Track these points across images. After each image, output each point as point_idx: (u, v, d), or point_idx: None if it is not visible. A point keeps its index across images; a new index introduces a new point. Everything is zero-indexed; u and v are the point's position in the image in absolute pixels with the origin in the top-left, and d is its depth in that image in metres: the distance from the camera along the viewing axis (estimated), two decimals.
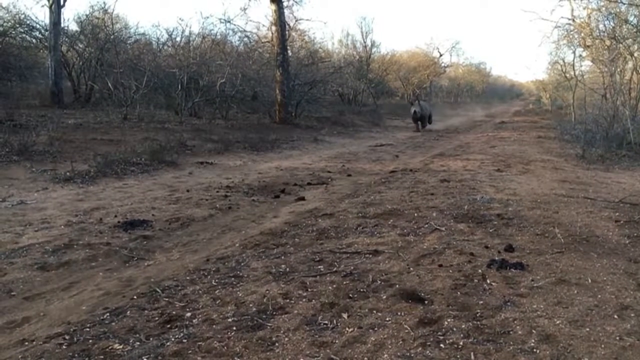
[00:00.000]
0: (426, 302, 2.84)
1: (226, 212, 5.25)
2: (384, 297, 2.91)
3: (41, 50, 15.45)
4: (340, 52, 27.58)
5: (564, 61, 18.92)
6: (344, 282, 3.14)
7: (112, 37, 14.50)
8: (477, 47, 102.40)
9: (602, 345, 2.35)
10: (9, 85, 14.09)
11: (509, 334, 2.46)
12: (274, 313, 2.73)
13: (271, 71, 15.75)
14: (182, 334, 2.50)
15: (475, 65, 43.94)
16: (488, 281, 3.13)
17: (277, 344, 2.40)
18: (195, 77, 13.79)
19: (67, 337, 2.50)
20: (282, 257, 3.66)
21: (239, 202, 5.67)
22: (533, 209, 5.00)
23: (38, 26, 14.75)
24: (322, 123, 16.38)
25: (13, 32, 14.57)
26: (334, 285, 3.08)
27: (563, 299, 2.86)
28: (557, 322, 2.58)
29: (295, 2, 16.91)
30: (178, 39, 15.87)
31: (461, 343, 2.38)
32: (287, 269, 3.40)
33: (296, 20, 17.52)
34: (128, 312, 2.78)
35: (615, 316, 2.65)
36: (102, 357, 2.32)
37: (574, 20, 14.92)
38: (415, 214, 4.84)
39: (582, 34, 15.01)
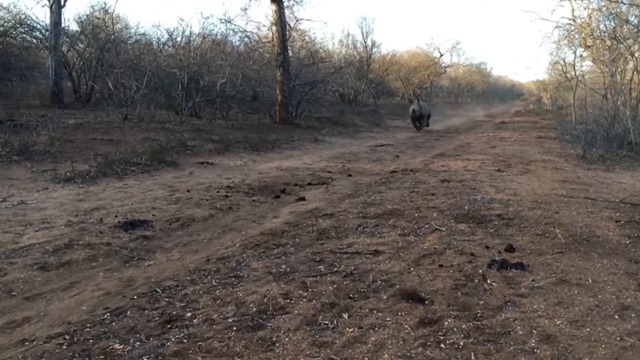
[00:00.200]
0: (427, 302, 2.84)
1: (226, 212, 5.25)
2: (385, 297, 2.91)
3: (42, 51, 15.47)
4: (341, 52, 27.62)
5: (564, 61, 18.93)
6: (345, 282, 3.14)
7: (112, 37, 14.51)
8: (478, 47, 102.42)
9: (603, 346, 2.35)
10: (10, 85, 14.09)
11: (509, 334, 2.46)
12: (275, 313, 2.72)
13: (272, 71, 15.75)
14: (182, 334, 2.50)
15: (476, 66, 43.99)
16: (488, 281, 3.13)
17: (277, 344, 2.40)
18: (196, 77, 13.79)
19: (67, 337, 2.49)
20: (283, 257, 3.66)
21: (240, 202, 5.67)
22: (534, 209, 5.00)
23: (38, 26, 14.78)
24: (322, 123, 16.38)
25: (14, 32, 14.58)
26: (335, 286, 3.08)
27: (564, 299, 2.86)
28: (558, 322, 2.58)
29: (296, 2, 16.93)
30: (178, 39, 15.91)
31: (461, 343, 2.37)
32: (288, 269, 3.39)
33: (297, 21, 17.55)
34: (128, 312, 2.78)
35: (616, 316, 2.65)
36: (102, 357, 2.32)
37: (574, 21, 14.92)
38: (416, 214, 4.83)
39: (583, 34, 15.00)
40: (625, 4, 12.61)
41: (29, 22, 14.67)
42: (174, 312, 2.75)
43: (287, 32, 15.80)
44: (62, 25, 13.83)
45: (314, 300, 2.86)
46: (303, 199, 5.82)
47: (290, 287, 3.06)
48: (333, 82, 20.47)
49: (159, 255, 3.85)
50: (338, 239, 4.13)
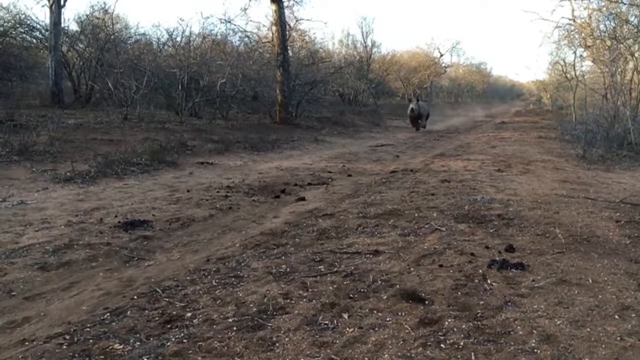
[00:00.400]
0: (427, 302, 2.84)
1: (226, 212, 5.25)
2: (385, 297, 2.91)
3: (41, 51, 15.47)
4: (341, 52, 27.62)
5: (564, 61, 18.93)
6: (345, 282, 3.14)
7: (112, 37, 14.51)
8: (478, 47, 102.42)
9: (603, 346, 2.34)
10: (10, 86, 14.09)
11: (509, 334, 2.46)
12: (275, 313, 2.72)
13: (271, 71, 15.75)
14: (182, 334, 2.50)
15: (476, 66, 44.01)
16: (489, 281, 3.13)
17: (277, 344, 2.40)
18: (196, 77, 13.79)
19: (67, 337, 2.49)
20: (283, 257, 3.65)
21: (240, 202, 5.67)
22: (534, 209, 5.00)
23: (38, 26, 14.79)
24: (322, 123, 16.38)
25: (13, 32, 14.59)
26: (335, 286, 3.08)
27: (564, 299, 2.86)
28: (558, 322, 2.58)
29: (296, 2, 16.94)
30: (178, 39, 15.90)
31: (462, 343, 2.37)
32: (288, 269, 3.39)
33: (297, 21, 17.55)
34: (128, 312, 2.78)
35: (616, 316, 2.65)
36: (102, 357, 2.32)
37: (574, 21, 14.92)
38: (416, 214, 4.83)
39: (583, 34, 15.01)
40: (625, 4, 12.62)
41: (28, 22, 14.70)
42: (174, 312, 2.75)
43: (287, 32, 15.80)
44: (62, 25, 13.84)
45: (314, 300, 2.86)
46: (303, 199, 5.82)
47: (291, 287, 3.06)
48: (333, 82, 20.49)
49: (159, 255, 3.85)
50: (338, 239, 4.13)
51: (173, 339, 2.45)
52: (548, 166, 8.31)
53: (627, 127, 10.83)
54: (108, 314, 2.75)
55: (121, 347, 2.39)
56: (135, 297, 2.99)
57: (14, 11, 14.68)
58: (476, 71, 43.81)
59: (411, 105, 17.11)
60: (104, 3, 15.57)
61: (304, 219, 4.81)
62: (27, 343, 2.46)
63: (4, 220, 4.63)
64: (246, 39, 17.54)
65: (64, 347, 2.40)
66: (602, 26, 14.33)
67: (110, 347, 2.39)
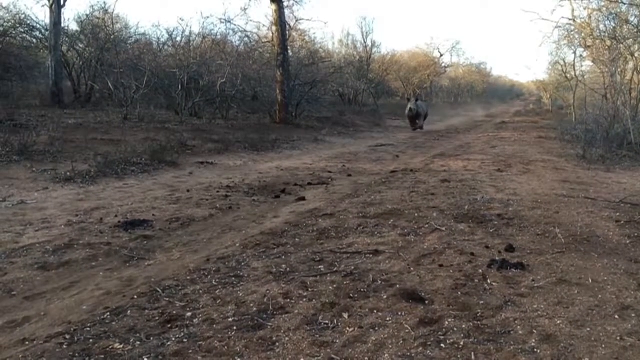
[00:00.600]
0: (427, 302, 2.84)
1: (227, 212, 5.25)
2: (385, 297, 2.91)
3: (41, 50, 15.46)
4: (341, 52, 27.61)
5: (564, 61, 18.95)
6: (345, 282, 3.14)
7: (112, 37, 14.52)
8: (478, 47, 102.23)
9: (603, 346, 2.35)
10: (10, 85, 14.08)
11: (509, 334, 2.46)
12: (275, 313, 2.73)
13: (271, 71, 15.75)
14: (182, 334, 2.50)
15: (476, 66, 43.94)
16: (489, 281, 3.13)
17: (277, 344, 2.40)
18: (196, 77, 13.80)
19: (67, 337, 2.50)
20: (283, 257, 3.66)
21: (240, 202, 5.67)
22: (534, 209, 5.00)
23: (38, 26, 14.78)
24: (322, 123, 16.38)
25: (13, 32, 14.58)
26: (335, 285, 3.08)
27: (564, 299, 2.86)
28: (558, 322, 2.58)
29: (296, 2, 16.96)
30: (178, 39, 15.92)
31: (462, 343, 2.38)
32: (288, 269, 3.40)
33: (297, 20, 17.55)
34: (129, 311, 2.78)
35: (616, 316, 2.65)
36: (102, 356, 2.32)
37: (574, 21, 14.92)
38: (416, 214, 4.84)
39: (583, 34, 15.01)
40: (625, 4, 12.62)
41: (28, 22, 14.69)
42: (174, 312, 2.76)
43: (287, 32, 15.80)
44: (62, 25, 13.83)
45: (314, 300, 2.86)
46: (303, 198, 5.82)
47: (291, 286, 3.06)
48: (333, 82, 20.46)
49: (159, 255, 3.85)
50: (338, 238, 4.13)
51: (173, 339, 2.46)
52: (548, 166, 8.32)
53: (627, 127, 10.83)
54: (108, 314, 2.75)
55: (121, 346, 2.39)
56: (136, 296, 2.99)
57: (14, 11, 14.70)
58: (476, 71, 43.77)
59: (409, 105, 17.07)
60: (104, 3, 15.60)
61: (304, 218, 4.81)
62: (27, 342, 2.46)
63: (4, 220, 4.63)
64: (246, 38, 17.56)
65: (64, 346, 2.41)
66: (602, 26, 14.34)
67: (110, 347, 2.39)
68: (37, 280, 3.30)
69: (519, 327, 2.53)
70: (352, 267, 3.40)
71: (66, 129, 9.44)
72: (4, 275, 3.35)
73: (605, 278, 3.19)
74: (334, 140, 13.70)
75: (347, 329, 2.54)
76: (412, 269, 3.38)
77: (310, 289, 3.03)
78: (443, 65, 37.45)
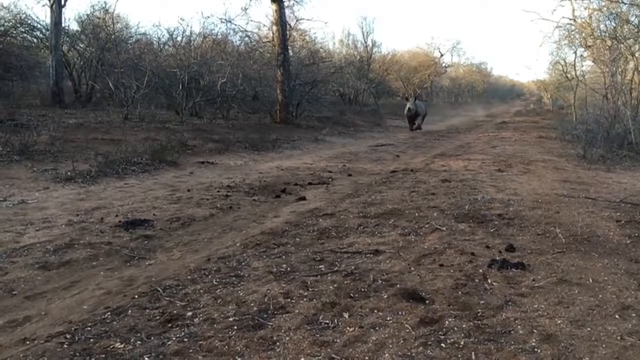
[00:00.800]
0: (427, 301, 2.85)
1: (227, 211, 5.25)
2: (385, 296, 2.91)
3: (42, 50, 15.47)
4: (341, 52, 27.61)
5: (565, 61, 18.97)
6: (345, 282, 3.14)
7: (113, 36, 14.52)
8: (478, 47, 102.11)
9: (603, 345, 2.35)
10: (10, 85, 14.09)
11: (510, 334, 2.47)
12: (275, 312, 2.73)
13: (272, 71, 15.75)
14: (183, 333, 2.51)
15: (476, 65, 43.92)
16: (489, 281, 3.13)
17: (278, 344, 2.40)
18: (196, 77, 13.80)
19: (68, 336, 2.50)
20: (283, 257, 3.66)
21: (240, 202, 5.67)
22: (534, 208, 5.00)
23: (39, 26, 14.78)
24: (323, 123, 16.38)
25: (14, 32, 14.58)
26: (335, 285, 3.08)
27: (564, 299, 2.86)
28: (558, 321, 2.58)
29: (296, 1, 16.97)
30: (179, 38, 15.92)
31: (462, 343, 2.38)
32: (288, 269, 3.40)
33: (297, 20, 17.54)
34: (129, 311, 2.78)
35: (617, 316, 2.65)
36: (103, 356, 2.32)
37: (575, 20, 14.92)
38: (416, 214, 4.84)
39: (583, 34, 15.01)
40: (625, 3, 12.61)
41: (29, 21, 14.69)
42: (175, 311, 2.76)
43: (288, 32, 15.80)
44: (63, 24, 13.83)
45: (314, 300, 2.87)
46: (303, 198, 5.82)
47: (291, 286, 3.07)
48: (333, 81, 20.46)
49: (159, 255, 3.86)
50: (338, 238, 4.13)
51: (174, 338, 2.46)
52: (548, 166, 8.32)
53: (627, 127, 10.83)
54: (109, 313, 2.76)
55: (122, 346, 2.40)
56: (136, 296, 3.00)
57: (15, 11, 14.69)
58: (476, 71, 43.75)
59: (408, 105, 16.92)
60: (105, 3, 15.61)
61: (305, 218, 4.82)
62: (28, 342, 2.46)
63: (5, 219, 4.63)
64: (247, 38, 17.56)
65: (65, 346, 2.41)
66: (602, 26, 14.33)
67: (111, 346, 2.39)
68: (38, 280, 3.31)
69: (519, 326, 2.53)
70: (353, 267, 3.40)
71: (67, 129, 9.45)
72: (5, 274, 3.36)
73: (606, 278, 3.19)
74: (335, 140, 13.70)
75: (348, 328, 2.54)
76: (412, 268, 3.38)
77: (310, 289, 3.03)
78: (443, 65, 37.45)
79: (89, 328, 2.59)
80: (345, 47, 28.20)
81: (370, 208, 5.12)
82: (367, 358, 2.28)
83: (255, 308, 2.77)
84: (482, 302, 2.83)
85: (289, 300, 2.88)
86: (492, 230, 4.26)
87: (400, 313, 2.71)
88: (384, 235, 4.17)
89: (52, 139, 8.37)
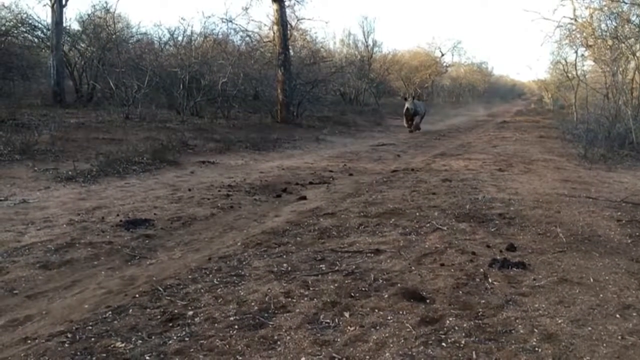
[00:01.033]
0: (428, 301, 2.85)
1: (228, 211, 5.25)
2: (386, 296, 2.91)
3: (43, 50, 15.47)
4: (342, 52, 27.60)
5: (566, 61, 18.94)
6: (346, 281, 3.14)
7: (114, 36, 14.55)
8: (479, 46, 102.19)
9: (604, 345, 2.35)
10: (11, 85, 14.11)
11: (510, 333, 2.47)
12: (276, 312, 2.73)
13: (273, 71, 15.75)
14: (184, 333, 2.51)
15: (477, 65, 43.89)
16: (490, 280, 3.13)
17: (279, 343, 2.41)
18: (197, 76, 13.80)
19: (69, 336, 2.50)
20: (284, 256, 3.66)
21: (241, 201, 5.67)
22: (535, 208, 5.00)
23: (40, 25, 14.79)
24: (323, 122, 16.37)
25: (15, 32, 14.59)
26: (336, 284, 3.08)
27: (565, 298, 2.86)
28: (559, 321, 2.58)
29: (297, 1, 16.97)
30: (180, 38, 15.92)
31: (463, 342, 2.38)
32: (289, 268, 3.40)
33: (298, 20, 17.51)
34: (130, 310, 2.79)
35: (617, 315, 2.65)
36: (104, 355, 2.32)
37: (576, 20, 14.91)
38: (417, 214, 4.84)
39: (584, 34, 14.99)
40: (626, 3, 12.60)
41: (30, 21, 14.70)
42: (176, 311, 2.76)
43: (289, 32, 15.79)
44: (64, 24, 13.84)
45: (315, 299, 2.87)
46: (304, 198, 5.82)
47: (292, 285, 3.07)
48: (334, 81, 20.43)
49: (160, 254, 3.86)
50: (339, 238, 4.13)
51: (175, 338, 2.46)
52: (549, 165, 8.31)
53: (628, 127, 10.82)
54: (110, 313, 2.76)
55: (123, 345, 2.40)
56: (137, 295, 3.00)
57: (16, 10, 14.72)
58: (477, 71, 43.72)
59: (407, 105, 16.55)
60: (106, 2, 15.65)
61: (305, 218, 4.82)
62: (29, 341, 2.46)
63: (6, 218, 4.64)
64: (247, 38, 17.54)
65: (66, 345, 2.41)
66: (603, 25, 14.32)
67: (112, 346, 2.40)
68: (39, 279, 3.31)
69: (520, 326, 2.53)
70: (353, 266, 3.40)
71: (68, 128, 9.46)
72: (6, 274, 3.36)
73: (607, 277, 3.19)
74: (335, 140, 13.69)
75: (348, 327, 2.54)
76: (413, 268, 3.38)
77: (311, 288, 3.03)
78: (444, 64, 37.46)
79: (90, 327, 2.59)
80: (346, 46, 28.25)
81: (371, 207, 5.12)
82: (367, 357, 2.28)
83: (256, 307, 2.77)
84: (483, 301, 2.83)
85: (289, 299, 2.88)
86: (492, 230, 4.26)
87: (401, 312, 2.71)
88: (385, 234, 4.17)
89: (53, 139, 8.37)
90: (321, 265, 3.45)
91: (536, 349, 2.32)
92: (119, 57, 13.15)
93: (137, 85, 12.33)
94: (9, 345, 2.44)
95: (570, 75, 18.26)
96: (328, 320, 2.62)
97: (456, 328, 2.52)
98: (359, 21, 54.57)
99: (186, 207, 5.29)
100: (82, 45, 15.56)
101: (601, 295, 2.90)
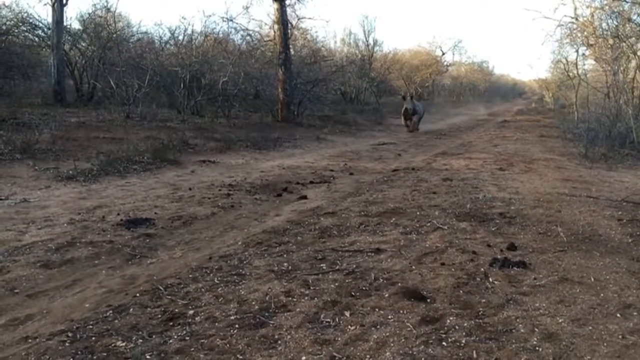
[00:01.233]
0: (428, 300, 2.85)
1: (228, 210, 5.25)
2: (386, 295, 2.91)
3: (44, 49, 15.46)
4: (343, 51, 27.59)
5: (566, 60, 18.94)
6: (347, 281, 3.14)
7: (114, 35, 14.53)
8: (480, 45, 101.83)
9: (605, 344, 2.35)
10: (12, 84, 14.10)
11: (511, 332, 2.47)
12: (277, 311, 2.73)
13: (273, 70, 15.74)
14: (184, 332, 2.51)
15: (478, 64, 43.84)
16: (490, 280, 3.13)
17: (279, 342, 2.41)
18: (198, 75, 13.80)
19: (70, 335, 2.50)
20: (285, 256, 3.66)
21: (242, 201, 5.67)
22: (535, 207, 5.00)
23: (41, 25, 14.80)
24: (324, 122, 16.37)
25: (16, 31, 14.60)
26: (337, 284, 3.08)
27: (565, 298, 2.86)
28: (560, 320, 2.58)
29: (298, 0, 16.92)
30: (180, 37, 15.92)
31: (463, 341, 2.38)
32: (290, 267, 3.40)
33: (298, 19, 17.49)
34: (131, 309, 2.79)
35: (618, 315, 2.65)
36: (105, 354, 2.32)
37: (577, 19, 14.89)
38: (418, 213, 4.84)
39: (585, 33, 14.98)
40: (627, 2, 12.59)
41: (31, 20, 14.70)
42: (177, 310, 2.76)
43: (289, 31, 15.78)
44: (64, 23, 13.83)
45: (316, 298, 2.87)
46: (305, 197, 5.82)
47: (292, 285, 3.07)
48: (335, 80, 20.42)
49: (161, 253, 3.86)
50: (340, 237, 4.13)
51: (175, 337, 2.46)
52: (550, 165, 8.31)
53: (629, 126, 10.81)
54: (111, 312, 2.76)
55: (124, 344, 2.40)
56: (138, 294, 3.00)
57: (17, 10, 14.73)
58: (478, 70, 43.68)
59: (405, 105, 16.44)
60: (106, 1, 15.59)
61: (306, 217, 4.82)
62: (30, 340, 2.47)
63: (7, 218, 4.64)
64: (248, 37, 17.54)
65: (67, 344, 2.41)
66: (604, 24, 14.31)
67: (112, 345, 2.40)
68: (40, 278, 3.31)
69: (520, 325, 2.53)
70: (354, 266, 3.40)
71: (68, 128, 9.46)
72: (7, 273, 3.36)
73: (607, 277, 3.19)
74: (336, 139, 13.69)
75: (349, 327, 2.54)
76: (413, 267, 3.38)
77: (312, 287, 3.03)
78: (445, 63, 37.43)
79: (90, 326, 2.59)
80: (346, 45, 28.24)
81: (372, 207, 5.12)
82: (368, 356, 2.28)
83: (256, 306, 2.77)
84: (484, 300, 2.83)
85: (290, 298, 2.88)
86: (493, 229, 4.26)
87: (401, 312, 2.71)
88: (386, 234, 4.17)
89: (53, 138, 8.38)
90: (322, 265, 3.45)
91: (537, 348, 2.32)
92: (119, 56, 13.15)
93: (137, 85, 12.33)
94: (9, 344, 2.45)
95: (571, 74, 18.26)
96: (329, 320, 2.62)
97: (457, 327, 2.52)
98: (360, 20, 54.55)
99: (187, 206, 5.29)
100: (83, 45, 15.56)
101: (602, 295, 2.90)
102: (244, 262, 3.54)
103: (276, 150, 10.75)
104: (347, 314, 2.69)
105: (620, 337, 2.41)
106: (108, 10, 15.39)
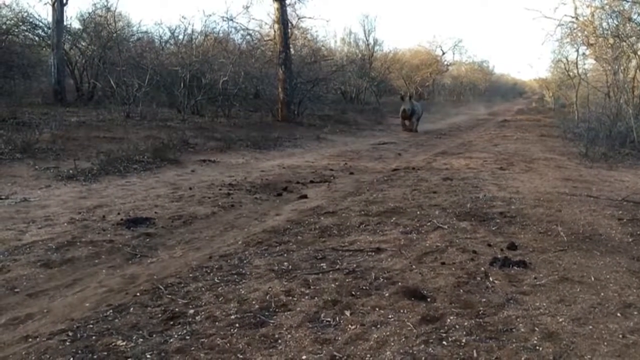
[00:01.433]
0: (429, 299, 2.85)
1: (229, 209, 5.25)
2: (387, 294, 2.91)
3: (44, 49, 15.46)
4: (343, 50, 27.60)
5: (567, 59, 18.91)
6: (347, 280, 3.14)
7: (114, 35, 14.53)
8: (480, 45, 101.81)
9: (605, 343, 2.35)
10: (12, 84, 14.10)
11: (511, 332, 2.47)
12: (277, 310, 2.73)
13: (274, 69, 15.74)
14: (185, 331, 2.51)
15: (478, 64, 43.86)
16: (491, 279, 3.13)
17: (279, 341, 2.41)
18: (198, 75, 13.80)
19: (70, 334, 2.50)
20: (285, 255, 3.66)
21: (242, 200, 5.67)
22: (536, 207, 4.99)
23: (41, 24, 14.79)
24: (324, 121, 16.36)
25: (16, 30, 14.59)
26: (337, 283, 3.08)
27: (566, 297, 2.86)
28: (560, 319, 2.58)
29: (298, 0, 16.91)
30: (180, 37, 15.92)
31: (464, 340, 2.38)
32: (290, 267, 3.40)
33: (299, 18, 17.48)
34: (131, 309, 2.79)
35: (618, 314, 2.65)
36: (105, 353, 2.33)
37: (577, 19, 14.89)
38: (418, 212, 4.84)
39: (586, 32, 14.97)
40: (628, 1, 12.59)
41: (31, 20, 14.69)
42: (177, 309, 2.76)
43: (289, 30, 15.77)
44: (65, 23, 13.83)
45: (316, 298, 2.87)
46: (305, 196, 5.82)
47: (293, 284, 3.07)
48: (335, 80, 20.41)
49: (161, 253, 3.86)
50: (340, 236, 4.13)
51: (176, 336, 2.46)
52: (550, 164, 8.31)
53: (629, 125, 10.81)
54: (111, 311, 2.76)
55: (124, 343, 2.40)
56: (138, 294, 3.00)
57: (17, 9, 14.72)
58: (478, 69, 43.67)
59: (403, 106, 16.21)
60: (106, 1, 15.59)
61: (306, 216, 4.82)
62: (30, 339, 2.47)
63: (7, 217, 4.64)
64: (248, 37, 17.54)
65: (67, 343, 2.41)
66: (604, 24, 14.32)
67: (113, 344, 2.40)
68: (40, 278, 3.31)
69: (521, 324, 2.53)
70: (354, 265, 3.40)
71: (68, 127, 9.46)
72: (7, 272, 3.36)
73: (608, 276, 3.19)
74: (336, 139, 13.68)
75: (349, 326, 2.54)
76: (414, 266, 3.38)
77: (312, 287, 3.03)
78: (445, 63, 37.45)
79: (91, 326, 2.59)
80: (347, 45, 28.26)
81: (372, 206, 5.12)
82: (368, 356, 2.28)
83: (257, 306, 2.78)
84: (484, 300, 2.83)
85: (290, 298, 2.88)
86: (493, 229, 4.26)
87: (401, 311, 2.71)
88: (386, 233, 4.17)
89: (54, 137, 8.37)
90: (322, 264, 3.45)
91: (537, 347, 2.32)
92: (119, 55, 13.14)
93: (137, 84, 12.32)
94: (10, 343, 2.45)
95: (571, 73, 18.25)
96: (329, 319, 2.62)
97: (457, 327, 2.52)
98: (360, 20, 54.49)
99: (187, 206, 5.29)
100: (83, 44, 15.55)
101: (602, 294, 2.90)
102: (244, 261, 3.54)
103: (276, 149, 10.74)
104: (348, 313, 2.69)
105: (620, 336, 2.41)
106: (108, 9, 15.40)
